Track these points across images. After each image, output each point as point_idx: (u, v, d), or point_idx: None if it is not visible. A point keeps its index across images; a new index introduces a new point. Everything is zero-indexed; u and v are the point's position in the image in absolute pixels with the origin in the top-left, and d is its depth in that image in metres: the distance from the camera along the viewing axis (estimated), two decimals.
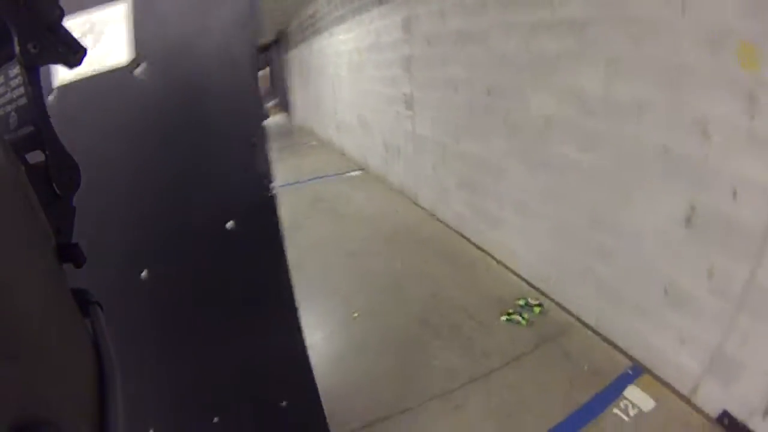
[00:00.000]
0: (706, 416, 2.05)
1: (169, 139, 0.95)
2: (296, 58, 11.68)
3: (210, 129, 0.97)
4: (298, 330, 1.25)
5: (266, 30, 12.24)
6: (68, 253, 0.34)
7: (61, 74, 0.89)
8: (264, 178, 1.03)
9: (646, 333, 2.35)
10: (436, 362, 2.65)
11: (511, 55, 2.97)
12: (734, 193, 1.75)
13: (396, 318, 3.14)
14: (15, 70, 0.35)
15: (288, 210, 5.51)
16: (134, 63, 0.91)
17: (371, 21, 5.53)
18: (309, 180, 6.98)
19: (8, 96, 0.36)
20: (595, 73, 2.31)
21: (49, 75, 0.87)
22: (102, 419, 0.25)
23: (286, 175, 7.50)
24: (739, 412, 1.89)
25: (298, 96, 12.90)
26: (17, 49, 0.34)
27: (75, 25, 0.92)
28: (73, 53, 0.39)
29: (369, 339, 2.95)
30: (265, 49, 16.48)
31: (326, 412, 1.56)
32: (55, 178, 0.35)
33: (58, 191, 0.35)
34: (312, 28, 8.92)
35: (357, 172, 7.02)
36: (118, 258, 0.98)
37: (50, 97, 0.88)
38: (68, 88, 0.90)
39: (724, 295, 1.86)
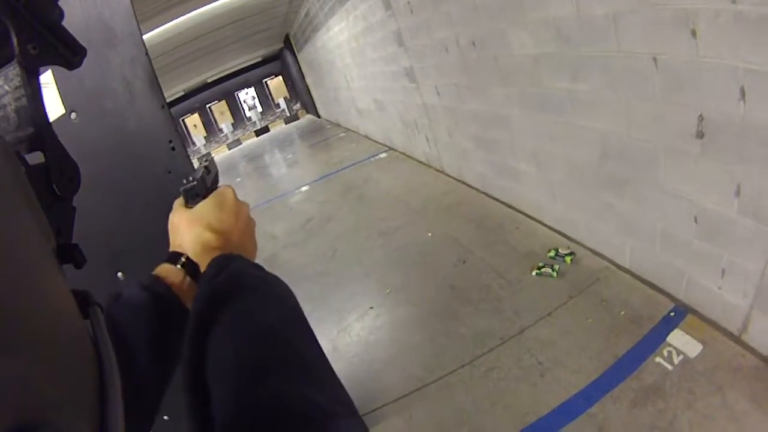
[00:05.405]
0: (759, 356, 1.82)
1: (104, 158, 1.17)
2: (306, 57, 11.83)
3: (133, 148, 1.17)
4: None
5: (271, 38, 12.48)
6: (68, 254, 0.34)
7: None
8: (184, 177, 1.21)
9: (684, 268, 2.11)
10: (463, 329, 2.61)
11: (482, 2, 2.79)
12: (741, 91, 1.51)
13: (426, 289, 3.13)
14: (15, 70, 0.35)
15: (318, 205, 5.68)
16: (68, 112, 1.12)
17: (355, 7, 5.44)
18: (338, 171, 7.10)
19: (8, 97, 0.35)
20: None
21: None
22: (102, 419, 0.25)
23: (319, 169, 7.69)
24: None
25: (316, 93, 13.07)
26: (17, 50, 0.34)
27: None
28: (74, 54, 0.38)
29: (400, 314, 2.98)
30: (275, 57, 16.92)
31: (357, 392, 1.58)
32: (55, 179, 0.35)
33: (58, 192, 0.35)
34: (311, 27, 8.95)
35: (383, 154, 7.00)
36: (99, 259, 1.17)
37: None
38: None
39: (757, 213, 1.62)
